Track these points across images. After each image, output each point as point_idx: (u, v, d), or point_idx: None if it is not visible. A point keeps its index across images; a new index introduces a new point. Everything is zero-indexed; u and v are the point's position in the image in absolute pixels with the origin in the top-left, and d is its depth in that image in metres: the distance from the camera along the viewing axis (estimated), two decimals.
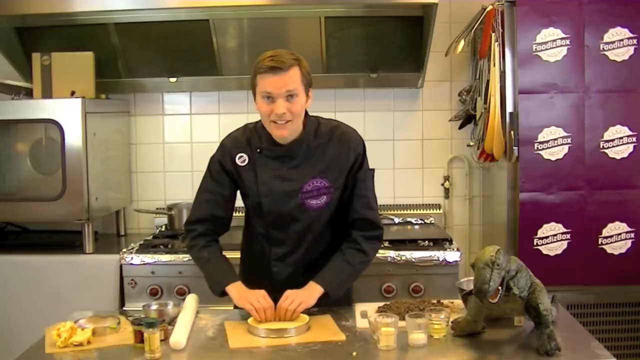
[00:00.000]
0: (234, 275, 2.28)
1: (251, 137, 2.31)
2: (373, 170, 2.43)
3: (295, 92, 2.13)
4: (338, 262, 2.26)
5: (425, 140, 3.75)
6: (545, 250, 3.10)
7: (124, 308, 3.07)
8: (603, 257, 3.11)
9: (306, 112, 2.27)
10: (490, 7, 3.18)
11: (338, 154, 2.26)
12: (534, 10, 3.04)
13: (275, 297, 2.22)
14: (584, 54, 3.05)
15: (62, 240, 3.38)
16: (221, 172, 2.32)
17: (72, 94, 3.27)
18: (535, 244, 3.10)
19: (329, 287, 2.20)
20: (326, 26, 3.40)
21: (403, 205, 3.72)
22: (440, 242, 3.20)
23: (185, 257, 3.09)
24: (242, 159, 2.29)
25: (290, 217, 2.27)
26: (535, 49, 3.04)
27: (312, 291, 2.18)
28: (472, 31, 3.33)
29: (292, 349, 1.96)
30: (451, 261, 3.06)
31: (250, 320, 2.12)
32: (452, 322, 2.03)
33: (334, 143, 2.27)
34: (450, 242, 3.21)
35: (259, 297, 2.15)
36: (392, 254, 3.05)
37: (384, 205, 3.70)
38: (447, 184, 3.73)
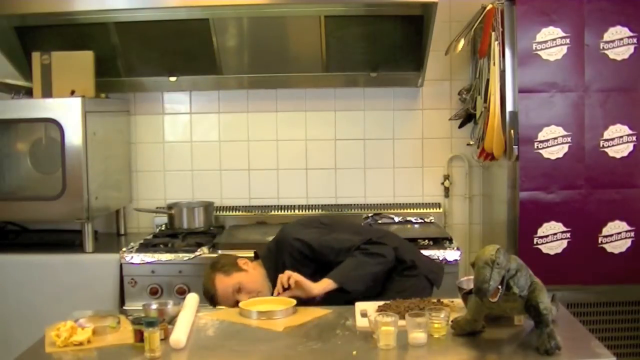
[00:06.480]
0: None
1: None
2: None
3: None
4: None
5: (425, 139, 3.74)
6: (545, 249, 3.10)
7: (124, 307, 3.07)
8: (603, 256, 3.11)
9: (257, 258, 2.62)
10: (490, 6, 3.17)
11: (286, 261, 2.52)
12: (533, 9, 3.04)
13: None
14: (584, 53, 3.04)
15: (62, 239, 3.38)
16: None
17: (72, 93, 3.27)
18: (535, 243, 3.10)
19: (338, 279, 2.38)
20: (326, 25, 3.40)
21: (403, 204, 3.71)
22: (440, 241, 3.20)
23: (185, 257, 3.10)
24: None
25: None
26: (535, 47, 3.04)
27: (321, 282, 2.38)
28: (472, 30, 3.33)
29: (292, 348, 1.96)
30: (451, 260, 3.06)
31: (241, 303, 2.32)
32: (452, 321, 2.02)
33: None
34: (450, 241, 3.21)
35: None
36: None
37: (384, 204, 3.71)
38: (447, 183, 3.73)
